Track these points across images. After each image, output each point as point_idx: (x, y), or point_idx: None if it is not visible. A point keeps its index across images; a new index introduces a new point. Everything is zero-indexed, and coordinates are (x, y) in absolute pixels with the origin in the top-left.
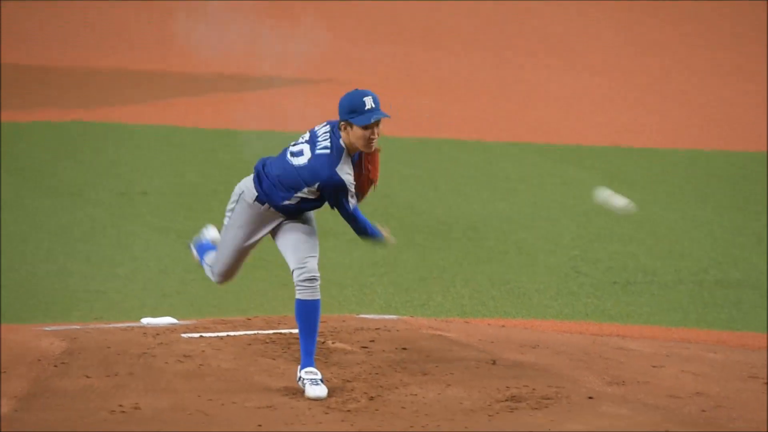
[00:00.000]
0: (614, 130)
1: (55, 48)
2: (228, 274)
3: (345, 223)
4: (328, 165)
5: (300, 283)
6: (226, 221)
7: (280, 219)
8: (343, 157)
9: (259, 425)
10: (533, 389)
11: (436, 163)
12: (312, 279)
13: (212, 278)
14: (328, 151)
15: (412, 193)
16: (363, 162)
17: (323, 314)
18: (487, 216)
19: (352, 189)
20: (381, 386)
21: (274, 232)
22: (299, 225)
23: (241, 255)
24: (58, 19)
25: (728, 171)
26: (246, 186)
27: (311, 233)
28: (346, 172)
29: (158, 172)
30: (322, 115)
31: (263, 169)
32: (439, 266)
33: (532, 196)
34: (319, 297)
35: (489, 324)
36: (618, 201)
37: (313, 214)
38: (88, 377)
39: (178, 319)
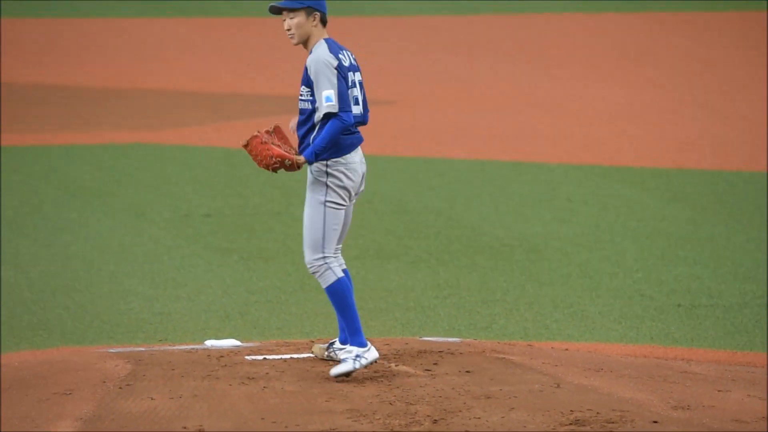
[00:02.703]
0: (675, 151)
1: (114, 69)
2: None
3: (407, 244)
4: None
5: (314, 275)
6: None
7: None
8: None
9: None
10: (597, 413)
11: (497, 185)
12: (313, 273)
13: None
14: None
15: (473, 215)
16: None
17: (387, 337)
18: (548, 238)
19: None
20: (444, 409)
21: None
22: (306, 204)
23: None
24: (116, 39)
25: None
26: None
27: (309, 216)
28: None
29: (220, 194)
30: (381, 135)
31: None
32: (502, 288)
33: (594, 218)
34: (331, 280)
35: (552, 347)
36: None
37: (316, 191)
38: (152, 399)
39: (241, 341)
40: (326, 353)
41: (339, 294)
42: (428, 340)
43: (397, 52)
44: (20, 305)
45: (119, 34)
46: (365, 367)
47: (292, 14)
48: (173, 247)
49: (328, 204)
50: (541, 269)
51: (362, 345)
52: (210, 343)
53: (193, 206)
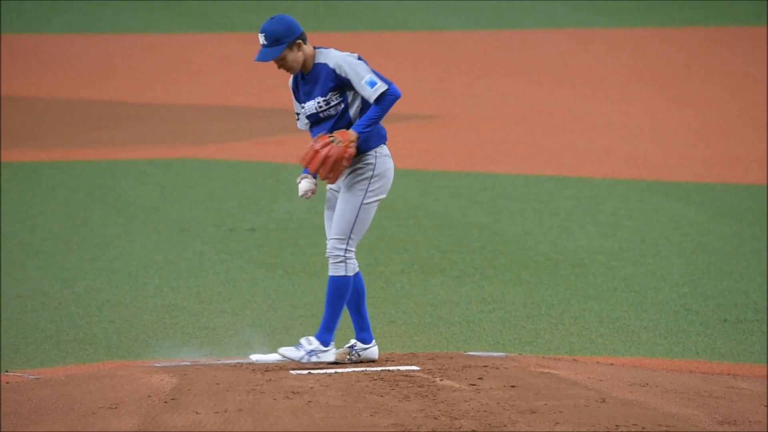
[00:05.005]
0: (720, 165)
1: (157, 85)
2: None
3: (452, 259)
4: None
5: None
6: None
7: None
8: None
9: None
10: (643, 428)
11: (541, 200)
12: (330, 258)
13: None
14: None
15: (518, 229)
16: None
17: (431, 351)
18: (593, 252)
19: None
20: (489, 424)
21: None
22: (341, 196)
23: None
24: (161, 54)
25: None
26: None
27: (342, 210)
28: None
29: (264, 209)
30: (426, 150)
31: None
32: (547, 303)
33: (639, 233)
34: (340, 274)
35: (598, 362)
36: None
37: (355, 185)
38: (197, 413)
39: None
40: (348, 357)
41: (339, 290)
42: (473, 355)
43: (441, 67)
44: (66, 319)
45: (163, 49)
46: (313, 364)
47: (280, 61)
48: (218, 261)
49: (368, 195)
50: (586, 284)
51: (325, 344)
52: (255, 357)
53: (238, 221)
